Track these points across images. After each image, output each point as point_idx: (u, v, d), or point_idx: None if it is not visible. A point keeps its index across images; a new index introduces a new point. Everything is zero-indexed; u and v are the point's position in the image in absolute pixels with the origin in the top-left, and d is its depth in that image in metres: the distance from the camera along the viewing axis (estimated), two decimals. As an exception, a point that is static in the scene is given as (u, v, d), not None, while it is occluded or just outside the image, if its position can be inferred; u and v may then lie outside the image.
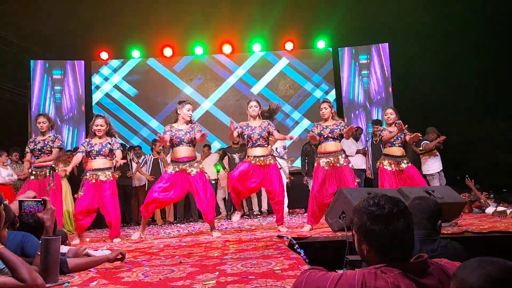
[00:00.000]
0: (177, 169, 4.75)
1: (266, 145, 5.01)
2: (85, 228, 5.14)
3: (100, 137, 5.02)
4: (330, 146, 4.86)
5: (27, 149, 5.22)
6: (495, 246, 3.57)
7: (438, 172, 6.81)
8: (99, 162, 4.95)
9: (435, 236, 2.30)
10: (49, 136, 5.21)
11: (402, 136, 5.32)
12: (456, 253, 2.17)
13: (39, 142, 5.17)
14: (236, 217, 5.32)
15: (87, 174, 4.91)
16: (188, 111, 4.89)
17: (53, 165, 5.17)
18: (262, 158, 4.88)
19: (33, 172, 5.13)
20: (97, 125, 5.00)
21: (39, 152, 5.15)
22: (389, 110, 5.53)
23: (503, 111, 7.33)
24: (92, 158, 4.96)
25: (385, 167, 5.29)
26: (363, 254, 1.42)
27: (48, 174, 5.09)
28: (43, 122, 5.18)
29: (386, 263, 1.33)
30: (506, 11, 7.17)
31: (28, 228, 2.67)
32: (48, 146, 5.15)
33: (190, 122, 4.93)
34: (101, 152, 4.95)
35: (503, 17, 7.27)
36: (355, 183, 4.76)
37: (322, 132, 4.88)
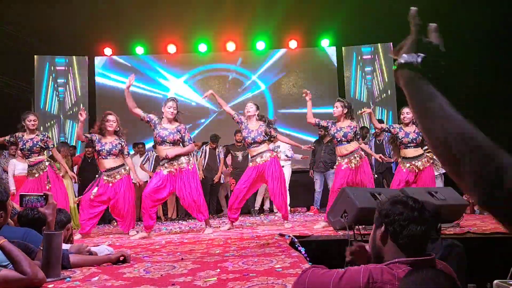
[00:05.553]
0: (168, 170, 4.76)
1: (261, 143, 5.13)
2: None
3: (109, 134, 5.01)
4: (345, 148, 4.98)
5: (6, 138, 5.07)
6: (497, 247, 3.56)
7: (441, 174, 6.79)
8: (110, 162, 4.97)
9: (435, 235, 2.33)
10: (38, 135, 5.10)
11: (418, 138, 5.19)
12: (458, 251, 2.19)
13: (27, 141, 5.02)
14: (227, 226, 5.20)
15: (103, 175, 4.93)
16: (169, 108, 4.78)
17: (45, 160, 5.12)
18: (259, 156, 5.06)
19: (30, 171, 5.06)
20: (108, 121, 5.01)
21: (29, 152, 5.03)
22: (406, 109, 5.27)
23: (509, 110, 7.28)
24: (103, 157, 4.95)
25: (403, 168, 5.20)
26: (377, 239, 1.45)
27: (44, 169, 5.04)
28: (34, 120, 5.06)
29: (396, 251, 1.37)
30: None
31: (30, 223, 2.68)
32: (38, 146, 5.04)
33: (175, 120, 4.87)
34: (112, 152, 4.97)
35: (510, 16, 7.22)
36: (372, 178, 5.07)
37: (336, 135, 4.98)
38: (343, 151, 4.98)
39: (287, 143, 6.01)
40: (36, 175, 5.03)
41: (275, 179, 5.05)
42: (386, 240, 1.42)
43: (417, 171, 5.17)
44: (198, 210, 4.82)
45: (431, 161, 5.33)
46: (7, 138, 5.10)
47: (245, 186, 5.08)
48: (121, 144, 5.04)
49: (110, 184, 4.93)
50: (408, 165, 5.18)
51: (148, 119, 4.84)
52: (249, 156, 5.26)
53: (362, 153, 5.07)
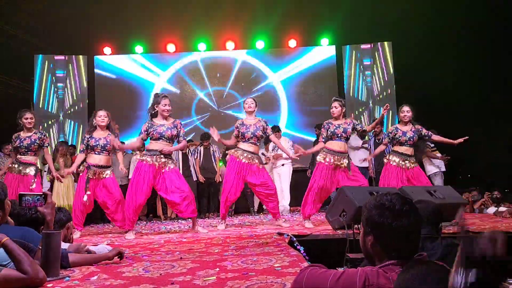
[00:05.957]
0: (152, 161, 4.64)
1: (258, 144, 5.14)
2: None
3: (102, 130, 5.02)
4: (339, 145, 4.93)
5: (10, 148, 5.08)
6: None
7: (441, 172, 6.78)
8: (102, 159, 4.97)
9: (435, 235, 2.33)
10: (35, 133, 5.07)
11: (414, 137, 5.18)
12: (457, 251, 2.19)
13: (24, 139, 5.00)
14: (221, 226, 5.27)
15: (91, 168, 4.90)
16: (165, 106, 4.75)
17: (37, 165, 5.11)
18: (250, 155, 5.02)
19: (16, 167, 4.99)
20: (99, 116, 5.03)
21: (26, 150, 4.99)
22: (406, 108, 5.23)
23: (509, 112, 7.28)
24: (96, 153, 4.95)
25: (391, 163, 5.20)
26: (367, 246, 1.44)
27: (33, 172, 4.99)
28: (30, 118, 5.04)
29: (388, 257, 1.35)
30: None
31: (28, 222, 2.67)
32: (35, 144, 5.02)
33: (169, 116, 4.84)
34: (106, 148, 4.98)
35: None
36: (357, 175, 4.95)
37: (336, 130, 4.95)
38: (335, 147, 4.91)
39: (277, 145, 5.80)
40: (20, 173, 4.96)
41: (264, 185, 5.06)
42: (374, 245, 1.42)
43: (407, 168, 5.16)
44: (188, 205, 4.76)
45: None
46: (10, 147, 5.12)
47: (230, 185, 5.05)
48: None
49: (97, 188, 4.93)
50: (398, 160, 5.16)
51: (146, 132, 4.77)
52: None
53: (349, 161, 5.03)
